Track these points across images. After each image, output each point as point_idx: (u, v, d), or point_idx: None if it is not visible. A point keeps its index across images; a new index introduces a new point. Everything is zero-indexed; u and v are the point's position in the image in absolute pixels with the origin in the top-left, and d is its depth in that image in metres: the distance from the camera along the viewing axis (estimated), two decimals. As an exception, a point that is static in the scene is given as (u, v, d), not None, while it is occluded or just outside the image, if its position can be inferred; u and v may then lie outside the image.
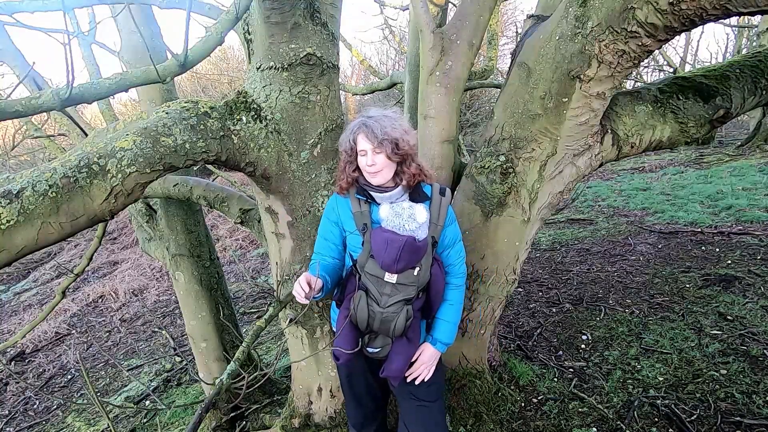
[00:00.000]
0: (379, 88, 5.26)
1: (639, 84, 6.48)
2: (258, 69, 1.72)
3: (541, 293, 3.85)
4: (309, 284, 1.37)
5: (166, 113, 1.43)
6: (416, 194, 1.51)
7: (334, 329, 1.65)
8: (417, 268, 1.44)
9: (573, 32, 1.56)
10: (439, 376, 1.65)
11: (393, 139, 1.42)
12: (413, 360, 1.56)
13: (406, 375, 1.56)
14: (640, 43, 1.47)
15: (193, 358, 3.41)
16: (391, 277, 1.42)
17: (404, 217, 1.44)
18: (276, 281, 1.95)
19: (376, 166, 1.44)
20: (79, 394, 4.09)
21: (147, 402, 3.59)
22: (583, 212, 6.47)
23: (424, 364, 1.57)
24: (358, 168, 1.51)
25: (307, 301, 1.36)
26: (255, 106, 1.69)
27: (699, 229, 4.81)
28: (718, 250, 4.16)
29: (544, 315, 3.41)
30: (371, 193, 1.49)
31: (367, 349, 1.53)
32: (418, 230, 1.44)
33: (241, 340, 2.72)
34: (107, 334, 5.45)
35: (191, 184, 2.43)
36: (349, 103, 16.60)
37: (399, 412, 1.72)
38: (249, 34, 1.73)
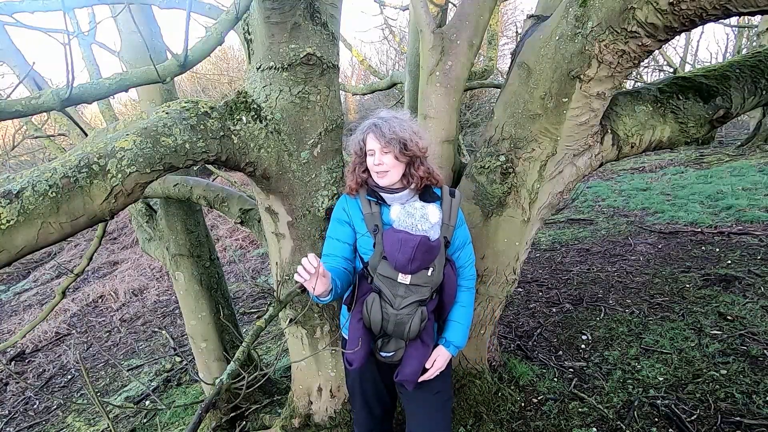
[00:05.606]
0: (379, 88, 5.26)
1: (639, 84, 6.48)
2: (258, 69, 1.72)
3: (541, 293, 3.85)
4: (316, 273, 1.28)
5: (166, 113, 1.43)
6: (427, 195, 1.51)
7: (345, 334, 1.62)
8: (431, 269, 1.42)
9: (573, 32, 1.56)
10: (446, 383, 1.64)
11: (401, 139, 1.42)
12: (428, 365, 1.53)
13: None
14: (640, 43, 1.47)
15: (193, 358, 3.41)
16: (404, 278, 1.40)
17: (417, 217, 1.42)
18: (276, 281, 1.95)
19: (384, 166, 1.43)
20: (79, 394, 4.09)
21: (147, 402, 3.59)
22: (583, 212, 6.47)
23: (439, 369, 1.55)
24: (367, 169, 1.50)
25: (303, 280, 1.27)
26: (255, 106, 1.69)
27: (699, 229, 4.81)
28: (718, 250, 4.16)
29: (544, 315, 3.41)
30: (381, 194, 1.49)
31: (381, 353, 1.50)
32: (431, 230, 1.42)
33: (241, 340, 2.72)
34: (107, 334, 5.45)
35: (191, 184, 2.43)
36: (349, 103, 16.61)
37: (405, 416, 1.70)
38: (249, 34, 1.73)
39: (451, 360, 1.74)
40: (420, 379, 1.53)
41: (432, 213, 1.44)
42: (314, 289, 1.30)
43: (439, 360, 1.55)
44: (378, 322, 1.42)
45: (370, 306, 1.43)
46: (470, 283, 1.61)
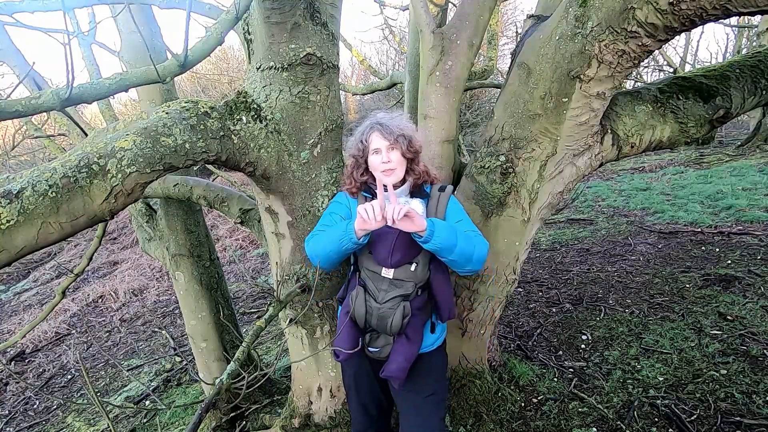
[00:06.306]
0: (379, 88, 5.26)
1: (639, 84, 6.48)
2: (258, 69, 1.72)
3: (541, 293, 3.85)
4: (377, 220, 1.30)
5: (166, 113, 1.43)
6: (416, 192, 1.55)
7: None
8: (414, 264, 1.44)
9: (573, 32, 1.56)
10: (440, 385, 1.64)
11: (407, 136, 1.48)
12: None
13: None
14: (640, 43, 1.47)
15: (193, 358, 3.41)
16: (387, 273, 1.44)
17: None
18: (276, 281, 1.95)
19: (392, 164, 1.47)
20: (79, 394, 4.09)
21: (147, 402, 3.59)
22: (583, 212, 6.47)
23: (401, 210, 1.28)
24: (366, 171, 1.54)
25: (364, 220, 1.30)
26: (255, 106, 1.69)
27: (699, 229, 4.81)
28: (718, 250, 4.16)
29: (544, 315, 3.41)
30: (376, 191, 1.51)
31: (369, 349, 1.52)
32: None
33: (241, 340, 2.72)
34: (107, 334, 5.45)
35: (191, 184, 2.43)
36: (349, 103, 16.60)
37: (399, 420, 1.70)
38: (249, 34, 1.73)
39: (448, 360, 1.75)
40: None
41: (415, 208, 1.46)
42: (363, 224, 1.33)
43: (405, 210, 1.29)
44: (362, 315, 1.45)
45: (354, 299, 1.47)
46: (472, 233, 1.47)
